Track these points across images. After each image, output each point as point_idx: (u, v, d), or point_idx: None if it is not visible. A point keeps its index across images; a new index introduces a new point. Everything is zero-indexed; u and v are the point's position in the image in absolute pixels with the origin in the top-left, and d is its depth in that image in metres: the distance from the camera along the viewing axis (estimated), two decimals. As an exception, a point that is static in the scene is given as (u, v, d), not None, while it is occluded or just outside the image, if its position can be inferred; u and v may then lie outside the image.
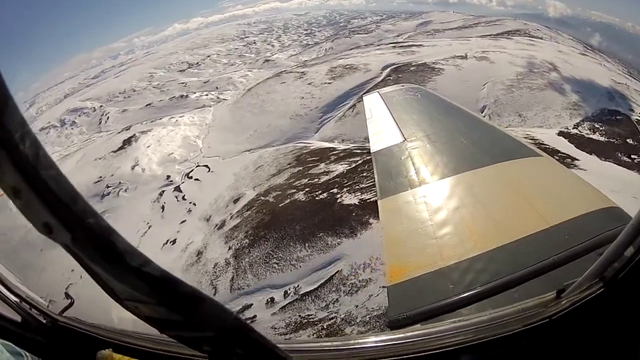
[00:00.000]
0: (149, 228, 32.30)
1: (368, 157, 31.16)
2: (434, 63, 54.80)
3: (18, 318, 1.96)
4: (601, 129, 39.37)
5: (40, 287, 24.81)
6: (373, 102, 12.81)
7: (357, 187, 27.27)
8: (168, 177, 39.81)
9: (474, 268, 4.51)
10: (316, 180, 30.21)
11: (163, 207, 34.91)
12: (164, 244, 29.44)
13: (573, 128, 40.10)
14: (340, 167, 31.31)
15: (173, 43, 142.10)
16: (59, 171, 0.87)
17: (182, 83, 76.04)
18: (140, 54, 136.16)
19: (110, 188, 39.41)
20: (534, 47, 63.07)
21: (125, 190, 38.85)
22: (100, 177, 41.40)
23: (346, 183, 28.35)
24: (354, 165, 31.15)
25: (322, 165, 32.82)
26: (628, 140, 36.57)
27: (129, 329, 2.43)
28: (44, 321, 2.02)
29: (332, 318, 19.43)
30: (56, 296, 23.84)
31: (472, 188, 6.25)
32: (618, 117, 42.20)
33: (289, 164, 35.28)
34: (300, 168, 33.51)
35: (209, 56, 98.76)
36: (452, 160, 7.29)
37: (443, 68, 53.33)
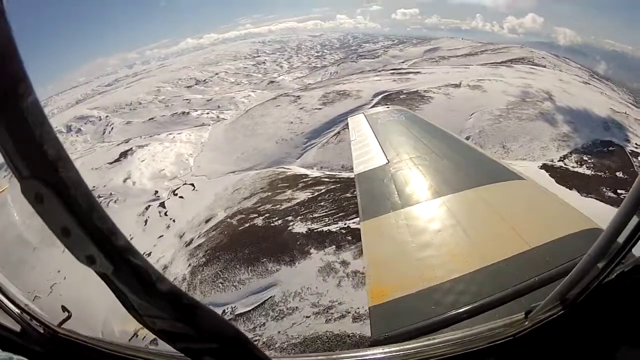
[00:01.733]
0: (130, 239, 33.19)
1: (332, 187, 32.56)
2: (425, 91, 54.87)
3: (18, 328, 2.02)
4: (589, 161, 38.29)
5: (28, 284, 26.32)
6: (357, 124, 13.19)
7: (310, 216, 28.24)
8: (156, 192, 41.35)
9: (456, 289, 4.62)
10: (278, 206, 31.17)
11: (146, 221, 36.44)
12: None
13: (558, 161, 39.08)
14: (303, 195, 32.23)
15: (188, 57, 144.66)
16: (103, 211, 1.07)
17: (187, 99, 77.51)
18: (155, 66, 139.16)
19: (102, 198, 40.64)
20: (534, 75, 62.19)
21: (115, 202, 40.45)
22: (94, 187, 42.83)
23: (302, 211, 29.31)
24: (316, 194, 32.03)
25: (289, 192, 33.69)
26: (618, 173, 35.50)
27: (125, 342, 2.73)
28: (44, 332, 2.09)
29: (255, 341, 20.81)
30: (42, 293, 25.89)
31: (454, 211, 6.37)
32: (611, 148, 41.10)
33: (262, 188, 36.19)
34: (269, 193, 34.44)
35: (217, 74, 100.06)
36: (435, 183, 7.51)
37: (433, 96, 53.31)
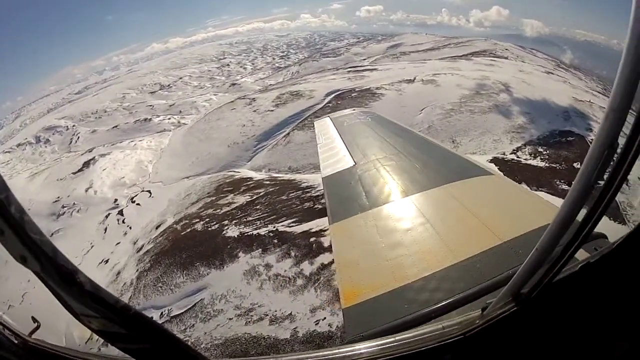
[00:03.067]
0: (91, 247, 35.13)
1: (270, 189, 33.86)
2: (377, 88, 54.93)
3: None
4: (544, 153, 37.73)
5: (3, 295, 28.25)
6: (324, 127, 13.38)
7: (244, 220, 29.38)
8: (115, 200, 42.52)
9: (428, 287, 4.65)
10: (218, 211, 32.33)
11: (106, 229, 37.63)
12: (99, 263, 32.06)
13: (511, 153, 38.59)
14: (242, 199, 33.31)
15: (156, 61, 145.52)
16: (28, 216, 1.22)
17: (150, 105, 78.22)
18: (124, 71, 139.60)
19: (65, 208, 42.38)
20: (493, 67, 62.84)
21: (78, 211, 41.70)
22: (59, 197, 44.43)
23: (238, 215, 30.46)
24: (255, 197, 33.09)
25: (231, 196, 34.71)
26: (576, 164, 34.72)
27: (93, 351, 3.75)
28: (16, 341, 2.11)
29: (186, 340, 22.37)
30: (15, 302, 27.43)
31: (423, 209, 6.44)
32: (570, 138, 40.40)
33: (208, 193, 37.30)
34: (214, 198, 35.52)
35: (181, 78, 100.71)
36: (403, 183, 7.61)
37: (384, 93, 53.35)
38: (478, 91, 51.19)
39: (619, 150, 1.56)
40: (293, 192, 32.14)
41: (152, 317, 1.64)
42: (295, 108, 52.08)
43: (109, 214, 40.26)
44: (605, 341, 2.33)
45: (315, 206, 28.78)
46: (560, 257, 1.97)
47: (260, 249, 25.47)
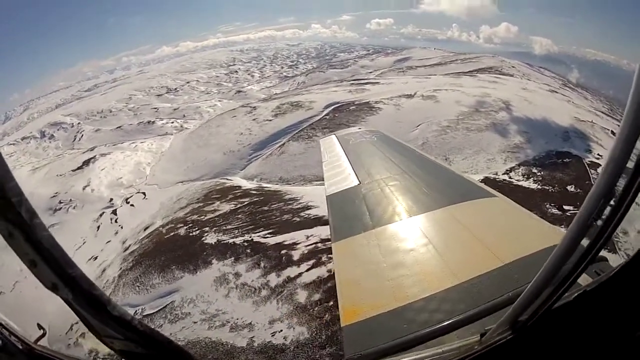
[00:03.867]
0: (83, 244, 36.27)
1: (255, 199, 34.54)
2: (376, 102, 54.32)
3: None
4: (538, 174, 36.57)
5: None
6: (329, 145, 13.38)
7: (224, 228, 29.98)
8: (111, 200, 43.65)
9: (428, 308, 4.63)
10: (202, 217, 33.00)
11: (98, 227, 38.81)
12: (88, 259, 33.01)
13: (503, 174, 37.61)
14: (226, 207, 33.92)
15: (166, 64, 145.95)
16: (60, 247, 1.32)
17: (155, 108, 79.09)
18: (134, 72, 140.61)
19: (62, 204, 43.70)
20: (496, 85, 61.86)
21: (74, 208, 42.98)
22: (57, 193, 45.75)
23: (219, 223, 31.10)
24: (238, 206, 33.68)
25: (217, 203, 35.33)
26: (569, 187, 33.75)
27: None
28: (22, 348, 2.13)
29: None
30: (6, 289, 28.72)
31: (426, 230, 6.42)
32: (566, 160, 39.08)
33: (197, 199, 37.95)
34: (201, 204, 36.17)
35: (188, 82, 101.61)
36: (407, 203, 7.59)
37: (382, 107, 52.71)
38: (477, 108, 50.47)
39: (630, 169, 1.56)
40: (275, 204, 32.70)
41: (174, 339, 1.95)
42: (293, 119, 52.08)
43: (103, 212, 41.42)
44: None
45: (294, 219, 29.40)
46: (561, 284, 1.97)
47: (232, 258, 26.04)
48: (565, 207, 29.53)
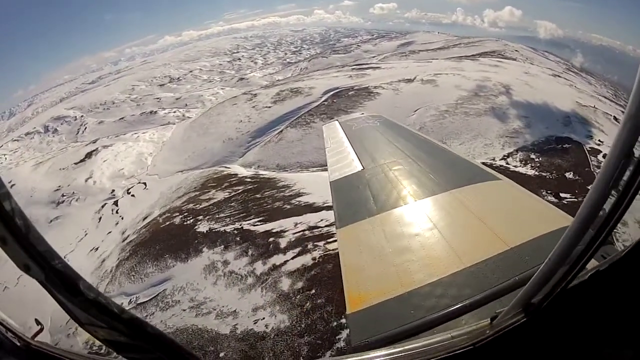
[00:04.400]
0: (85, 235, 36.89)
1: (249, 187, 34.85)
2: (375, 87, 54.05)
3: None
4: (536, 160, 36.00)
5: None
6: (332, 131, 13.57)
7: (216, 216, 30.31)
8: (112, 191, 44.28)
9: (434, 293, 4.59)
10: (197, 206, 33.33)
11: (100, 219, 39.40)
12: (89, 250, 33.69)
13: (501, 159, 37.02)
14: (221, 195, 34.22)
15: (170, 53, 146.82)
16: (32, 225, 1.28)
17: (158, 98, 79.52)
18: (138, 62, 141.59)
19: (65, 197, 44.40)
20: (497, 69, 60.73)
21: (77, 200, 43.66)
22: (59, 186, 46.45)
23: (212, 211, 31.42)
24: (232, 194, 33.93)
25: (212, 192, 35.64)
26: (568, 174, 33.03)
27: (97, 356, 3.02)
28: (19, 344, 2.10)
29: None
30: (10, 284, 28.95)
31: (431, 214, 6.38)
32: (566, 145, 38.19)
33: (195, 188, 38.27)
34: (198, 193, 36.48)
35: (191, 71, 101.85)
36: (411, 188, 7.51)
37: (381, 92, 52.48)
38: (476, 93, 49.58)
39: (636, 157, 1.58)
40: (268, 191, 32.95)
41: (155, 326, 1.82)
42: (292, 105, 52.07)
43: (105, 204, 42.02)
44: (614, 349, 2.32)
45: (285, 206, 29.67)
46: (573, 266, 1.97)
47: (222, 246, 26.42)
48: (562, 195, 29.41)
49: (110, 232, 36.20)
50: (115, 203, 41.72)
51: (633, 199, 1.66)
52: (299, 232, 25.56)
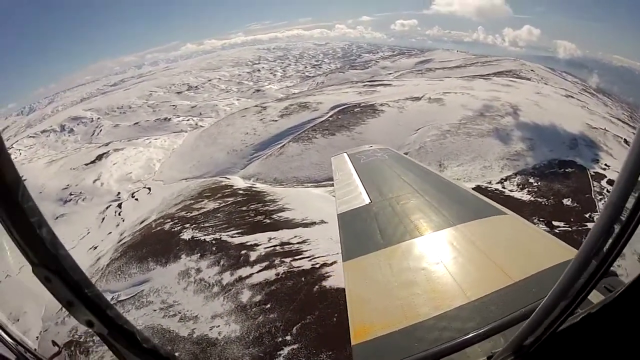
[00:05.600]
0: (87, 234, 38.77)
1: (239, 199, 35.97)
2: (382, 104, 54.05)
3: (13, 358, 2.08)
4: (535, 185, 35.64)
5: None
6: (340, 163, 13.19)
7: (202, 225, 31.51)
8: (118, 194, 46.04)
9: (439, 326, 4.62)
10: (188, 214, 34.57)
11: (103, 219, 41.19)
12: (89, 248, 35.48)
13: (497, 183, 36.68)
14: (211, 205, 35.39)
15: (193, 61, 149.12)
16: (94, 286, 1.39)
17: (173, 105, 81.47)
18: (161, 68, 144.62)
19: (73, 196, 46.33)
20: (509, 88, 60.17)
21: (83, 200, 45.53)
22: (68, 185, 48.36)
23: (199, 220, 32.62)
24: (222, 205, 35.08)
25: (205, 201, 36.80)
26: (565, 200, 32.47)
27: None
28: None
29: None
30: (12, 272, 30.38)
31: (437, 249, 6.40)
32: (569, 169, 37.62)
33: (192, 196, 39.42)
34: (192, 202, 37.70)
35: (210, 80, 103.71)
36: (417, 222, 7.48)
37: (386, 110, 52.45)
38: (482, 113, 49.18)
39: None
40: (254, 204, 33.97)
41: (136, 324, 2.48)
42: (297, 120, 52.81)
43: (109, 205, 43.70)
44: None
45: (265, 220, 30.74)
46: (565, 309, 1.95)
47: (199, 254, 27.74)
48: (555, 223, 28.85)
49: (110, 233, 37.78)
50: (119, 205, 43.22)
51: (634, 231, 1.67)
52: (271, 247, 26.64)
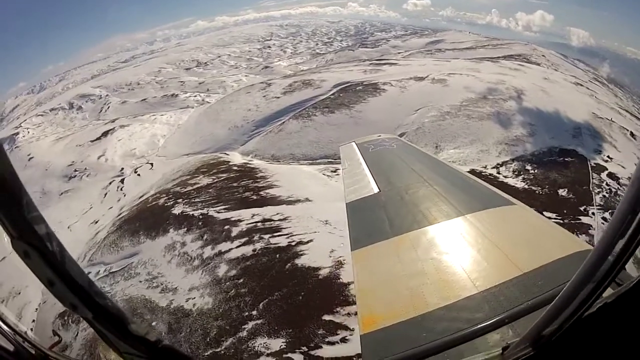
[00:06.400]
0: (90, 209, 39.75)
1: (232, 175, 36.75)
2: (384, 83, 52.87)
3: (11, 348, 2.01)
4: (530, 172, 34.64)
5: None
6: (349, 152, 13.16)
7: (193, 200, 32.31)
8: (122, 169, 47.00)
9: (447, 316, 4.64)
10: (183, 189, 35.36)
11: (106, 194, 42.29)
12: (90, 223, 36.46)
13: (492, 168, 35.87)
14: (205, 181, 36.10)
15: (205, 37, 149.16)
16: (78, 266, 1.33)
17: (181, 82, 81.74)
18: (172, 44, 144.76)
19: (77, 172, 47.49)
20: (516, 72, 58.03)
21: (87, 176, 46.69)
22: (73, 161, 49.51)
23: (192, 195, 33.42)
24: (215, 181, 35.76)
25: (200, 177, 37.52)
26: (561, 190, 31.44)
27: None
28: (35, 353, 2.09)
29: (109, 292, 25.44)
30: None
31: (446, 238, 6.39)
32: (568, 158, 36.45)
33: (189, 172, 40.12)
34: (189, 177, 38.43)
35: (219, 56, 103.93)
36: (426, 212, 7.46)
37: (387, 89, 51.37)
38: (485, 95, 47.61)
39: None
40: (245, 181, 34.63)
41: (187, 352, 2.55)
42: (300, 97, 52.61)
43: (112, 181, 44.76)
44: None
45: (252, 197, 31.46)
46: (588, 298, 1.92)
47: (185, 228, 28.56)
48: (547, 214, 26.96)
49: (111, 208, 38.72)
50: (122, 181, 44.29)
51: None
52: (253, 223, 27.34)
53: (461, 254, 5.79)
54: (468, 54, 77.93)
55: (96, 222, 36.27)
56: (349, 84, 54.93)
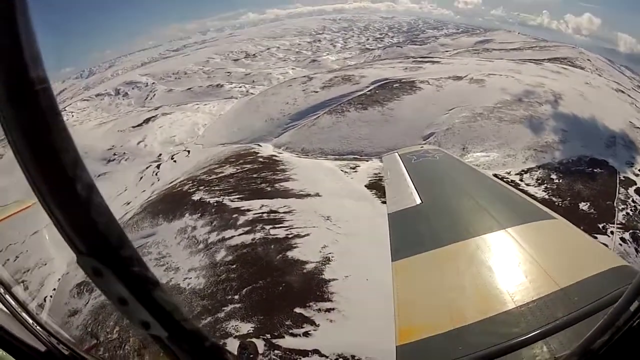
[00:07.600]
0: (124, 190, 41.88)
1: (255, 167, 37.70)
2: (422, 82, 51.74)
3: (43, 349, 1.99)
4: (555, 181, 33.27)
5: None
6: (391, 163, 13.00)
7: (213, 188, 33.31)
8: (159, 155, 48.82)
9: (485, 330, 4.65)
10: (208, 177, 36.39)
11: (141, 178, 44.27)
12: (122, 204, 38.20)
13: (516, 174, 34.64)
14: (229, 171, 36.99)
15: (257, 29, 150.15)
16: (158, 283, 1.23)
17: (228, 72, 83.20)
18: (225, 35, 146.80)
19: (116, 156, 49.85)
20: (558, 75, 56.21)
21: (126, 160, 48.96)
22: (113, 145, 51.86)
23: (214, 183, 34.40)
24: (238, 171, 36.58)
25: (227, 166, 38.41)
26: (582, 204, 29.95)
27: None
28: (68, 355, 2.06)
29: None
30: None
31: (485, 252, 6.37)
32: (597, 169, 34.79)
33: (219, 161, 41.04)
34: (217, 166, 39.35)
35: (269, 48, 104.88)
36: (467, 225, 7.45)
37: (424, 88, 50.32)
38: (521, 98, 46.33)
39: None
40: (265, 172, 35.46)
41: None
42: (337, 92, 52.39)
43: (149, 165, 46.65)
44: None
45: (267, 188, 32.28)
46: (635, 313, 1.84)
47: (199, 214, 29.69)
48: None
49: (144, 191, 40.44)
50: (158, 166, 45.96)
51: None
52: (259, 213, 28.19)
53: (500, 268, 5.83)
54: (513, 55, 75.96)
55: (128, 204, 37.90)
56: (387, 81, 54.19)
